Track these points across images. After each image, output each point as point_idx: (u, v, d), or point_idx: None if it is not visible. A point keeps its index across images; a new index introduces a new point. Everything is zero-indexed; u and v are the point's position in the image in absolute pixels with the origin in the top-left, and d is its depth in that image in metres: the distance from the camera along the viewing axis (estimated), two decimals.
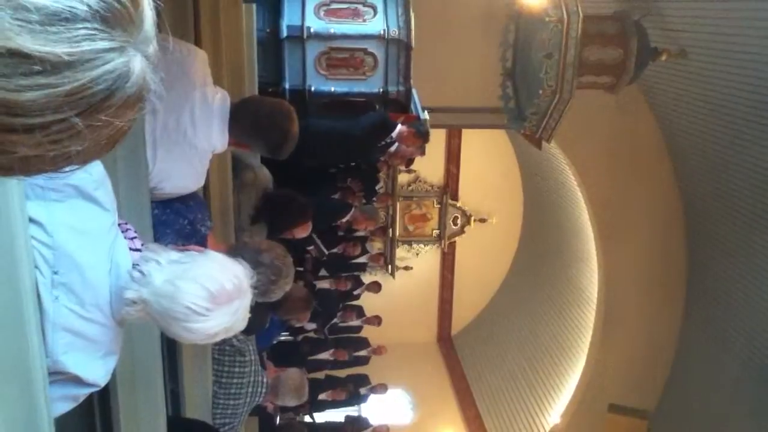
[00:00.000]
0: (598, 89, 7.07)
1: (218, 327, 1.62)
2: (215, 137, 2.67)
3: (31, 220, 1.56)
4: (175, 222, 2.61)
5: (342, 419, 9.88)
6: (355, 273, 10.56)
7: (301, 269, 8.51)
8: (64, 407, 1.75)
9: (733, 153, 7.39)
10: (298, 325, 6.90)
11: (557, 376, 11.15)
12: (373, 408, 11.00)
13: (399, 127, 5.55)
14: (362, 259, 10.64)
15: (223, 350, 3.74)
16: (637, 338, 9.60)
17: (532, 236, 13.13)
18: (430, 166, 12.48)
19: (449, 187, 12.88)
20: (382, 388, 10.04)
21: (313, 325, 9.35)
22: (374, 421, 9.97)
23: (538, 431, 10.92)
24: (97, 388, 1.74)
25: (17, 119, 0.62)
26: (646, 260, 9.28)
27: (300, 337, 9.54)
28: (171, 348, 3.46)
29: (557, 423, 10.55)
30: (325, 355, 9.37)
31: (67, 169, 0.75)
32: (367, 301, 10.82)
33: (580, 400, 10.30)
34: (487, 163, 12.75)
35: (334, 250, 9.45)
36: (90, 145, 0.69)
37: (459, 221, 12.93)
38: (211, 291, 1.60)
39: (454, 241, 13.16)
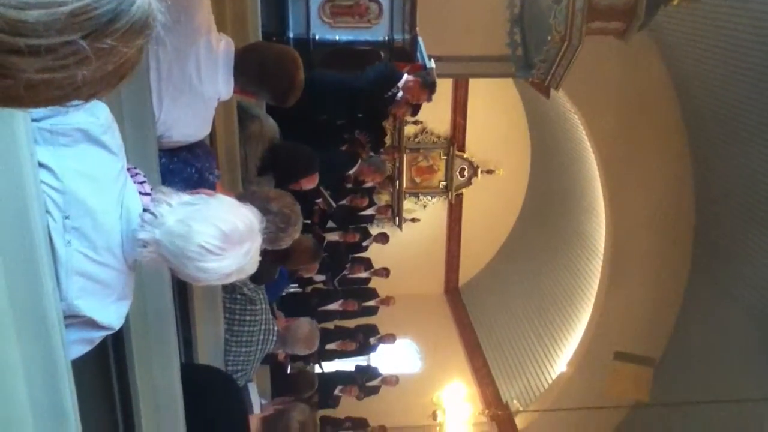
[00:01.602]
0: (608, 35, 6.94)
1: (231, 267, 1.64)
2: (221, 84, 2.65)
3: (41, 165, 1.56)
4: (182, 171, 2.61)
5: (352, 368, 10.05)
6: (363, 225, 10.58)
7: (309, 222, 8.52)
8: (80, 350, 1.78)
9: (745, 101, 7.29)
10: (306, 276, 6.95)
11: (564, 325, 11.27)
12: (382, 358, 11.18)
13: (405, 77, 5.49)
14: (370, 212, 10.65)
15: (234, 299, 3.79)
16: (643, 288, 9.65)
17: (539, 187, 13.09)
18: (436, 117, 12.38)
19: (456, 139, 12.79)
20: (390, 338, 10.17)
21: (322, 277, 9.43)
22: (384, 370, 10.14)
23: (545, 379, 11.08)
24: (112, 331, 1.77)
25: (21, 39, 0.61)
26: (654, 210, 9.26)
27: (309, 289, 9.64)
28: (182, 297, 3.50)
29: (564, 371, 10.71)
30: (334, 306, 9.46)
31: (74, 101, 0.74)
32: (375, 253, 10.87)
33: (586, 349, 10.43)
34: (495, 113, 12.62)
35: (342, 203, 9.45)
36: (97, 73, 0.68)
37: (466, 173, 12.89)
38: (224, 231, 1.61)
39: (461, 193, 13.14)
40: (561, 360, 10.97)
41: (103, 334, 1.77)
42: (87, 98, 0.74)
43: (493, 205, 13.09)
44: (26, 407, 1.77)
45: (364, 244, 10.45)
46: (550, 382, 10.92)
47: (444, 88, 11.44)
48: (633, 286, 9.74)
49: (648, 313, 9.55)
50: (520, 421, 10.85)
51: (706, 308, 9.00)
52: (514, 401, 11.05)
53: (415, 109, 6.02)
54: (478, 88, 12.37)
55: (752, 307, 8.12)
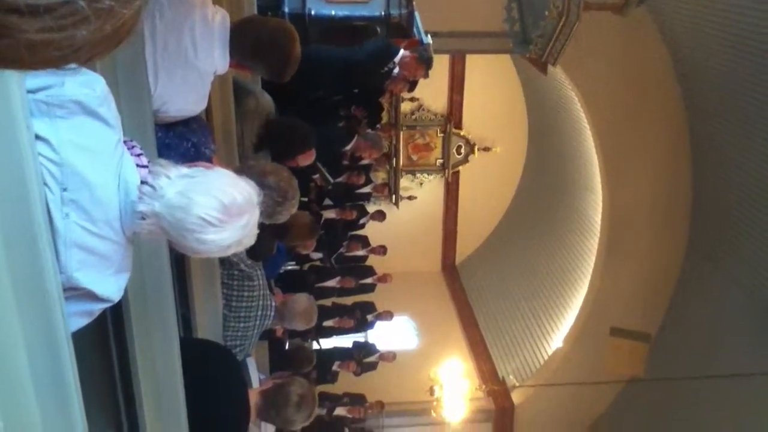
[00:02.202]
0: (606, 11, 6.88)
1: (230, 239, 1.65)
2: (216, 58, 2.63)
3: (37, 137, 1.56)
4: (179, 145, 2.61)
5: (350, 345, 10.12)
6: (360, 203, 10.59)
7: (306, 200, 8.52)
8: (80, 322, 1.79)
9: (747, 78, 7.25)
10: (304, 252, 6.96)
11: (560, 302, 11.33)
12: (379, 335, 11.25)
13: (401, 52, 5.46)
14: (366, 190, 10.65)
15: (232, 275, 3.80)
16: (640, 264, 9.69)
17: (536, 165, 13.09)
18: (433, 94, 12.33)
19: (453, 116, 12.75)
20: (388, 315, 10.22)
21: (319, 255, 9.45)
22: (381, 347, 10.21)
23: (541, 356, 11.17)
24: (111, 304, 1.78)
25: None
26: (651, 188, 9.27)
27: (306, 266, 9.66)
28: (180, 274, 3.51)
29: (560, 347, 10.79)
30: (331, 283, 9.51)
31: (73, 63, 0.74)
32: (372, 230, 10.89)
33: (582, 325, 10.50)
34: (492, 90, 12.58)
35: (339, 180, 9.45)
36: (96, 34, 0.68)
37: (463, 150, 12.87)
38: (224, 203, 1.62)
39: (458, 171, 13.13)
40: (557, 336, 11.05)
41: (103, 306, 1.78)
42: (85, 60, 0.74)
43: (489, 182, 13.10)
44: (28, 379, 1.79)
45: (361, 221, 10.47)
46: (546, 358, 11.01)
47: (441, 64, 11.38)
48: (629, 262, 9.79)
49: (644, 289, 9.60)
50: (516, 397, 10.97)
51: (701, 285, 9.05)
52: (511, 377, 11.15)
53: (412, 86, 6.00)
54: (476, 65, 12.31)
55: (747, 283, 8.17)
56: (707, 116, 8.40)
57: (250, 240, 1.71)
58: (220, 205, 1.61)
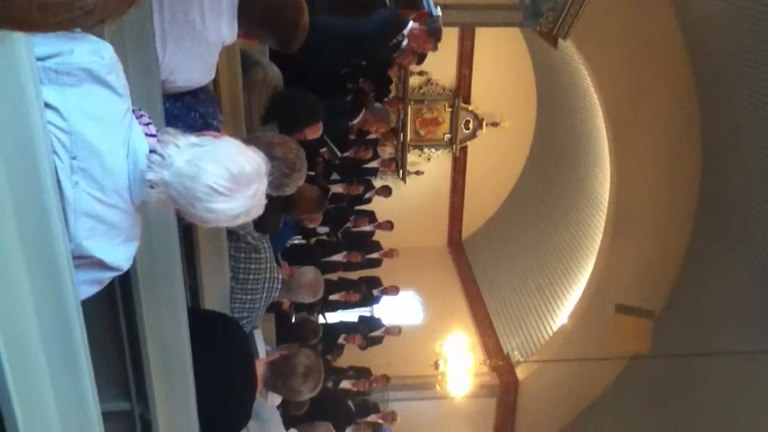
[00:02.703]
0: None
1: (239, 208, 1.65)
2: (224, 29, 2.62)
3: (46, 105, 1.56)
4: (186, 116, 2.60)
5: (355, 319, 10.18)
6: (366, 178, 10.57)
7: (312, 174, 8.51)
8: (89, 291, 1.81)
9: (757, 50, 7.15)
10: (310, 226, 6.97)
11: (566, 278, 11.35)
12: (385, 309, 11.31)
13: (410, 24, 5.40)
14: (374, 164, 10.62)
15: (239, 247, 3.82)
16: (646, 241, 9.67)
17: (544, 140, 13.01)
18: (442, 68, 12.22)
19: (461, 90, 12.65)
20: (393, 290, 10.26)
21: (325, 229, 9.46)
22: (387, 321, 10.26)
23: (546, 332, 11.22)
24: (120, 272, 1.79)
25: None
26: (660, 164, 9.20)
27: (313, 241, 9.68)
28: (188, 246, 3.53)
29: (565, 324, 10.83)
30: (338, 258, 9.53)
31: (84, 26, 0.73)
32: (379, 205, 10.89)
33: (588, 302, 10.52)
34: (501, 64, 12.46)
35: (346, 154, 9.42)
36: None
37: (471, 125, 12.78)
38: (233, 172, 1.62)
39: (466, 146, 13.06)
40: (562, 313, 11.08)
41: (112, 274, 1.79)
42: (96, 24, 0.73)
43: (497, 158, 13.03)
44: (38, 347, 1.81)
45: (367, 196, 10.46)
46: (551, 334, 11.06)
47: (450, 38, 11.28)
48: (636, 239, 9.76)
49: (650, 266, 9.59)
50: (520, 372, 11.05)
51: (708, 262, 9.02)
52: (515, 353, 11.22)
53: (421, 58, 5.94)
54: (485, 39, 12.17)
55: (755, 261, 8.15)
56: (718, 91, 8.30)
57: (259, 210, 1.71)
58: (228, 174, 1.61)
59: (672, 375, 8.65)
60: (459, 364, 9.07)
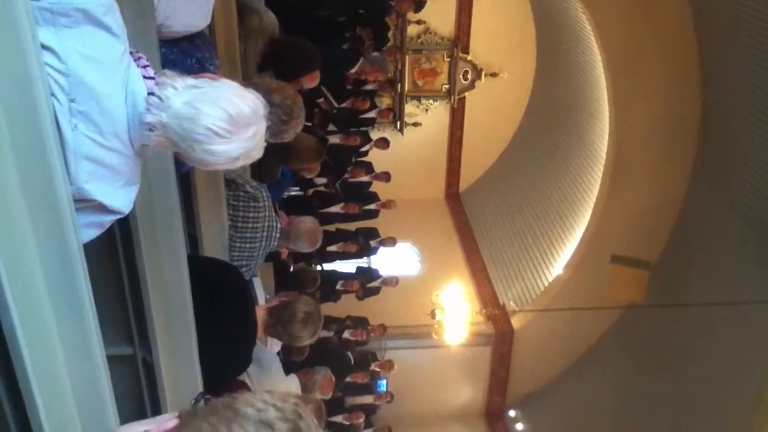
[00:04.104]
0: None
1: (238, 151, 1.65)
2: None
3: (43, 47, 1.55)
4: (183, 61, 2.58)
5: (353, 270, 10.26)
6: (364, 129, 10.50)
7: (309, 124, 8.45)
8: (91, 234, 1.83)
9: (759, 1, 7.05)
10: (308, 176, 6.96)
11: (562, 230, 11.41)
12: (382, 260, 11.39)
13: None
14: (371, 115, 10.53)
15: (238, 196, 3.83)
16: (643, 192, 9.69)
17: (543, 91, 12.89)
18: (440, 16, 12.03)
19: (460, 40, 12.46)
20: (391, 241, 10.30)
21: (323, 180, 9.45)
22: (384, 272, 10.35)
23: (541, 282, 11.34)
24: (121, 215, 1.81)
25: None
26: (658, 115, 9.16)
27: (310, 192, 9.68)
28: (186, 194, 3.54)
29: (561, 274, 10.94)
30: (335, 209, 9.54)
31: None
32: (376, 157, 10.85)
33: (584, 253, 10.60)
34: (501, 13, 12.24)
35: (343, 105, 9.33)
36: None
37: (469, 76, 12.64)
38: (231, 113, 1.61)
39: (464, 97, 12.94)
40: (558, 264, 11.19)
41: (113, 218, 1.81)
42: None
43: (496, 109, 12.94)
44: (43, 290, 1.84)
45: (364, 149, 10.41)
46: (546, 284, 11.18)
47: None
48: (633, 190, 9.78)
49: (647, 217, 9.63)
50: (515, 322, 11.22)
51: (705, 213, 9.06)
52: (511, 303, 11.35)
53: (419, 6, 5.84)
54: None
55: (751, 213, 8.19)
56: (718, 43, 8.21)
57: (258, 152, 1.71)
58: (227, 116, 1.61)
59: (666, 325, 8.78)
60: (455, 313, 9.18)
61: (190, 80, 1.67)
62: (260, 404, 0.94)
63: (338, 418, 8.86)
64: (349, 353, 9.42)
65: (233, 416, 0.91)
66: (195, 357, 2.89)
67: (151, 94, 1.64)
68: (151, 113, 1.62)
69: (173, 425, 0.95)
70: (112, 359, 2.32)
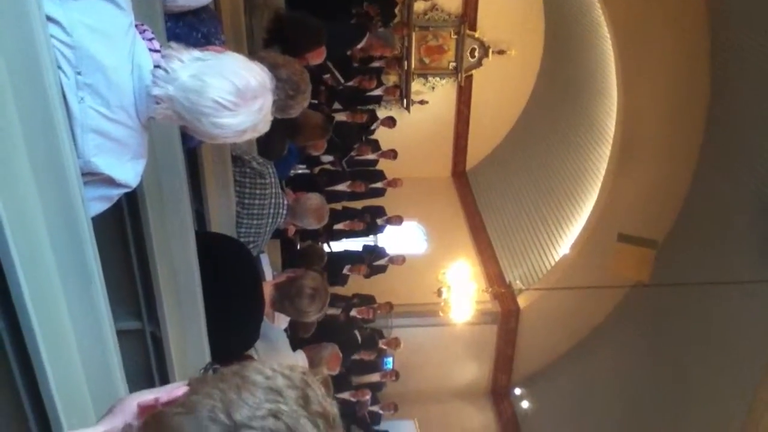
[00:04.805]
0: None
1: (245, 123, 1.65)
2: None
3: (49, 19, 1.54)
4: (188, 35, 2.56)
5: (360, 249, 10.27)
6: (370, 107, 10.45)
7: (316, 102, 8.42)
8: (99, 207, 1.83)
9: None
10: (315, 154, 6.94)
11: (569, 209, 11.38)
12: (389, 239, 11.40)
13: None
14: (378, 92, 10.47)
15: (244, 172, 3.83)
16: (650, 171, 9.64)
17: (551, 69, 12.79)
18: None
19: (467, 16, 12.33)
20: (397, 219, 10.30)
21: (329, 158, 9.44)
22: (390, 250, 10.36)
23: (548, 262, 11.34)
24: (129, 189, 1.81)
25: None
26: (667, 94, 9.07)
27: (317, 170, 9.68)
28: (193, 171, 3.54)
29: (567, 254, 10.93)
30: (342, 187, 9.53)
31: None
32: (383, 135, 10.82)
33: (590, 232, 10.59)
34: None
35: (350, 84, 9.28)
36: None
37: (477, 53, 12.53)
38: (238, 86, 1.61)
39: (471, 75, 12.85)
40: (564, 243, 11.17)
41: (121, 191, 1.81)
42: None
43: (503, 87, 12.85)
44: (52, 264, 1.85)
45: (371, 127, 10.37)
46: (552, 264, 11.18)
47: None
48: (640, 169, 9.74)
49: (654, 196, 9.59)
50: (522, 300, 11.24)
51: (712, 193, 9.02)
52: (517, 281, 11.37)
53: None
54: None
55: (758, 192, 8.14)
56: (729, 19, 8.11)
57: (265, 126, 1.71)
58: (233, 88, 1.60)
59: (672, 304, 8.79)
60: (461, 292, 9.19)
61: (196, 53, 1.66)
62: (269, 372, 0.95)
63: (345, 395, 8.94)
64: (357, 332, 9.46)
65: (242, 383, 0.92)
66: (203, 331, 2.91)
67: (157, 66, 1.64)
68: (158, 86, 1.61)
69: (183, 392, 0.96)
70: (120, 334, 2.34)
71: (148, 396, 1.10)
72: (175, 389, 1.02)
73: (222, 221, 3.78)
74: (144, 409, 1.09)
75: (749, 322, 7.76)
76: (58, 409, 1.92)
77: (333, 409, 0.98)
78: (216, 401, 0.90)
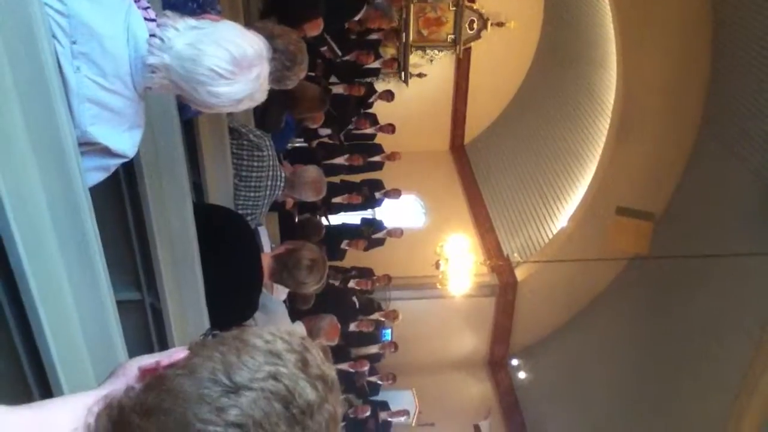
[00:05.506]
0: None
1: (242, 92, 1.64)
2: None
3: None
4: (184, 5, 2.54)
5: (358, 222, 10.29)
6: (368, 80, 10.38)
7: (313, 75, 8.35)
8: (97, 177, 1.84)
9: None
10: (313, 126, 6.92)
11: (568, 182, 11.38)
12: (387, 212, 11.42)
13: None
14: (375, 65, 10.39)
15: (242, 145, 3.82)
16: (650, 145, 9.63)
17: (550, 41, 12.69)
18: None
19: None
20: (396, 193, 10.29)
21: (327, 131, 9.40)
22: (388, 224, 10.38)
23: (546, 234, 11.38)
24: (126, 159, 1.81)
25: None
26: (667, 67, 9.02)
27: (315, 143, 9.65)
28: (190, 143, 3.53)
29: (565, 226, 10.96)
30: (340, 160, 9.51)
31: None
32: (381, 109, 10.76)
33: (588, 205, 10.60)
34: None
35: (347, 58, 9.20)
36: None
37: (475, 25, 12.40)
38: (234, 54, 1.60)
39: (470, 47, 12.73)
40: (563, 216, 11.19)
41: (118, 161, 1.81)
42: None
43: (502, 60, 12.75)
44: (51, 235, 1.86)
45: (369, 101, 10.31)
46: (551, 236, 11.21)
47: None
48: (639, 143, 9.72)
49: (652, 169, 9.59)
50: (519, 273, 11.29)
51: (710, 166, 9.03)
52: (515, 254, 11.41)
53: None
54: None
55: (756, 166, 8.15)
56: None
57: (262, 95, 1.70)
58: (230, 57, 1.60)
59: (670, 276, 8.84)
60: (459, 264, 9.23)
61: (192, 21, 1.66)
62: (268, 336, 0.97)
63: (344, 366, 9.02)
64: (355, 298, 9.50)
65: (242, 346, 0.94)
66: (202, 302, 2.94)
67: (152, 35, 1.63)
68: (154, 55, 1.60)
69: (184, 355, 0.98)
70: (120, 304, 2.35)
71: (149, 360, 1.12)
72: (176, 353, 1.04)
73: (220, 193, 3.78)
74: (145, 372, 1.11)
75: (746, 292, 7.82)
76: (60, 377, 1.94)
77: (331, 372, 1.00)
78: (216, 363, 0.92)
